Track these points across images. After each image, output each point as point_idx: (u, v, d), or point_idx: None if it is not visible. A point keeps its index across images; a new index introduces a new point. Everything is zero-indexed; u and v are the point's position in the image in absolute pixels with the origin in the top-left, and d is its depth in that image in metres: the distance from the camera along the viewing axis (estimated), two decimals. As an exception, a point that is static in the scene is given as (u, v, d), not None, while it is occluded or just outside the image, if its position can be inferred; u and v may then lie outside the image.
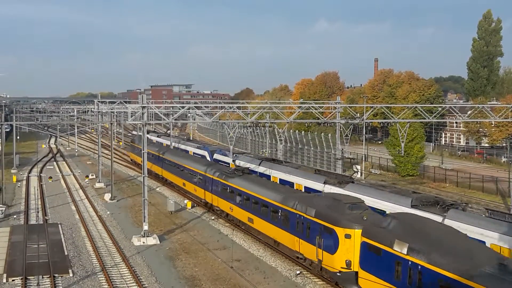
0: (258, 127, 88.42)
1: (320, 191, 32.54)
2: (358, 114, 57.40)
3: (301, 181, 36.57)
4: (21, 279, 25.21)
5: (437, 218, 23.94)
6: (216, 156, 53.56)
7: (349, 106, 54.71)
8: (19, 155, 70.71)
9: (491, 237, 21.95)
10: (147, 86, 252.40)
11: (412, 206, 26.03)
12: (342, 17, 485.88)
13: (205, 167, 42.05)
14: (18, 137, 79.86)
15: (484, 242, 21.67)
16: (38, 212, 41.30)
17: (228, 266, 27.73)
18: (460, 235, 20.07)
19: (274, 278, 26.15)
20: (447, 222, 23.54)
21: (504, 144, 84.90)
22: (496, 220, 23.20)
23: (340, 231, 23.23)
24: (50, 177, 58.38)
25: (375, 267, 21.17)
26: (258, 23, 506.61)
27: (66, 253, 29.65)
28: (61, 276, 25.85)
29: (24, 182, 55.89)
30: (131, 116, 37.39)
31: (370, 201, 28.01)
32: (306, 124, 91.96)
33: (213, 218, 38.92)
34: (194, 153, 60.01)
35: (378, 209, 27.27)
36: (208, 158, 53.52)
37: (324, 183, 33.77)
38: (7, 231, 34.67)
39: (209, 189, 39.99)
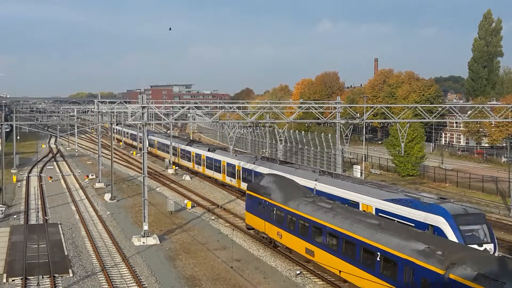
0: (258, 127, 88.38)
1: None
2: (358, 114, 57.32)
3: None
4: (21, 279, 25.23)
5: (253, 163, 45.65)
6: (149, 137, 76.00)
7: (349, 106, 54.64)
8: (19, 155, 70.70)
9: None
10: (147, 86, 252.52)
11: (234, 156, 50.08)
12: (342, 18, 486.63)
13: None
14: (18, 137, 79.84)
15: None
16: (38, 212, 41.36)
17: (228, 266, 27.74)
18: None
19: (274, 278, 26.15)
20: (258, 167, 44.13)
21: (504, 144, 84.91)
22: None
23: None
24: (50, 177, 58.44)
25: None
26: (258, 23, 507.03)
27: (66, 253, 29.66)
28: (61, 276, 25.87)
29: (24, 182, 55.89)
30: (131, 116, 37.41)
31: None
32: (306, 124, 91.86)
33: (213, 218, 38.95)
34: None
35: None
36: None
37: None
38: (7, 231, 34.69)
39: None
